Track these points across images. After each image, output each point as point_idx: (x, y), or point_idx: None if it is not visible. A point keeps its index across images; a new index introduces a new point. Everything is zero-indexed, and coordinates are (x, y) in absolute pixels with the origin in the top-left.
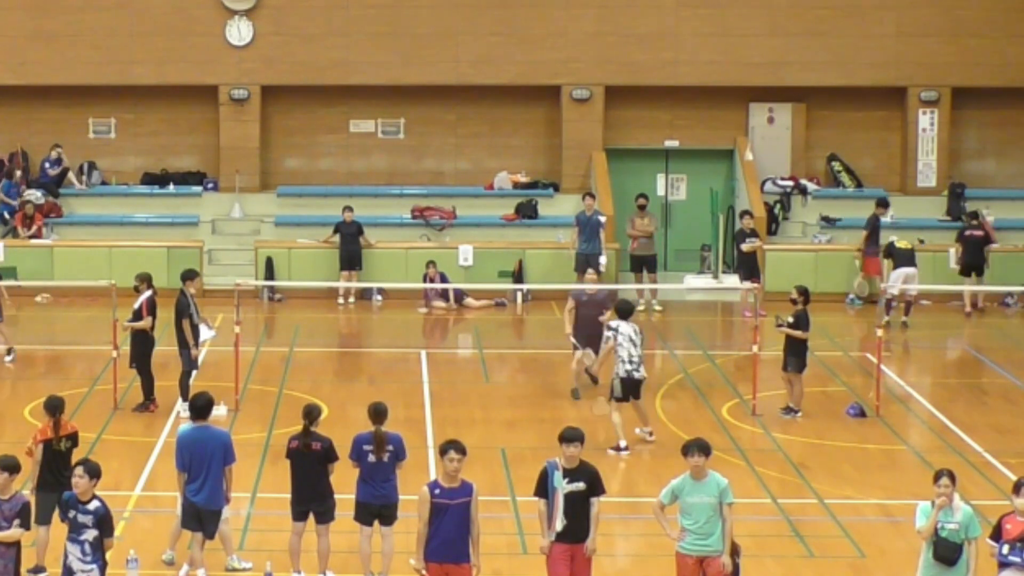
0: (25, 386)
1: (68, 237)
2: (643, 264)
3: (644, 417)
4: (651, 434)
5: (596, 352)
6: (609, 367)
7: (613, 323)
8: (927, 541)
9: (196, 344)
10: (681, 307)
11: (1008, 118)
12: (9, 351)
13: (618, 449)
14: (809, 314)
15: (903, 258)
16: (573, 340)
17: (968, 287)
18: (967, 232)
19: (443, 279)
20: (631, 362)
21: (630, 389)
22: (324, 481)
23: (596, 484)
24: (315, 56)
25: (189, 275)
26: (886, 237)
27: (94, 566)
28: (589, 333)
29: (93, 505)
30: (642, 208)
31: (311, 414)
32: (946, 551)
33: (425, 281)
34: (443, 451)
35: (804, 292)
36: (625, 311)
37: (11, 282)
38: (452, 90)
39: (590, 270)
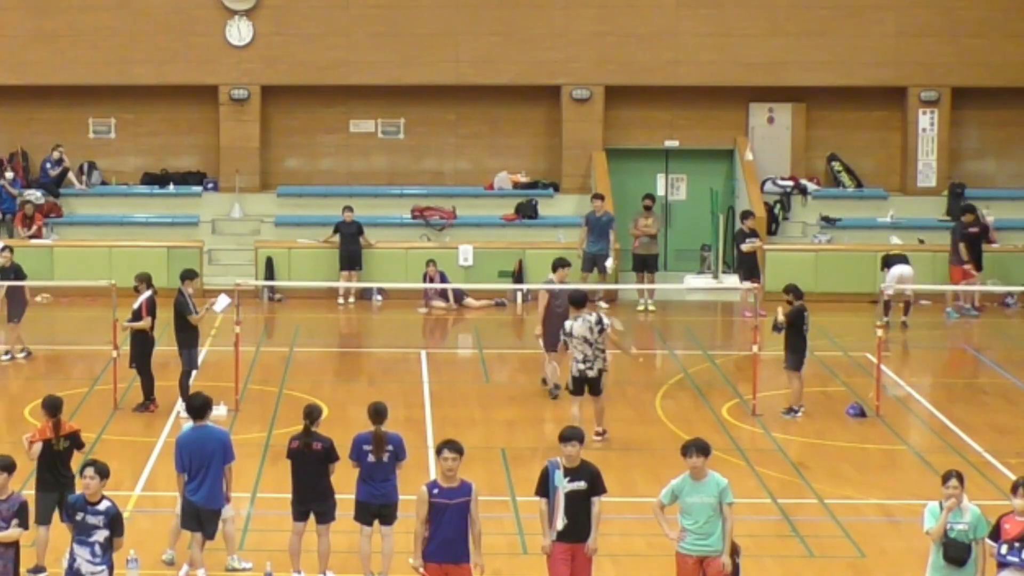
0: (25, 386)
1: (68, 237)
2: (644, 264)
3: (597, 416)
4: (601, 434)
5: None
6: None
7: (567, 325)
8: (936, 543)
9: (212, 307)
10: (681, 307)
11: (1008, 118)
12: (7, 352)
13: None
14: (804, 310)
15: (896, 258)
16: (541, 341)
17: (965, 287)
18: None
19: (443, 278)
20: (584, 361)
21: (580, 387)
22: (325, 481)
23: (597, 483)
24: (315, 56)
25: (188, 275)
26: (885, 237)
27: (104, 567)
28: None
29: (104, 505)
30: (648, 209)
31: (312, 414)
32: (957, 552)
33: (425, 280)
34: (439, 451)
35: (794, 290)
36: (577, 301)
37: (10, 282)
38: (452, 90)
39: (560, 268)
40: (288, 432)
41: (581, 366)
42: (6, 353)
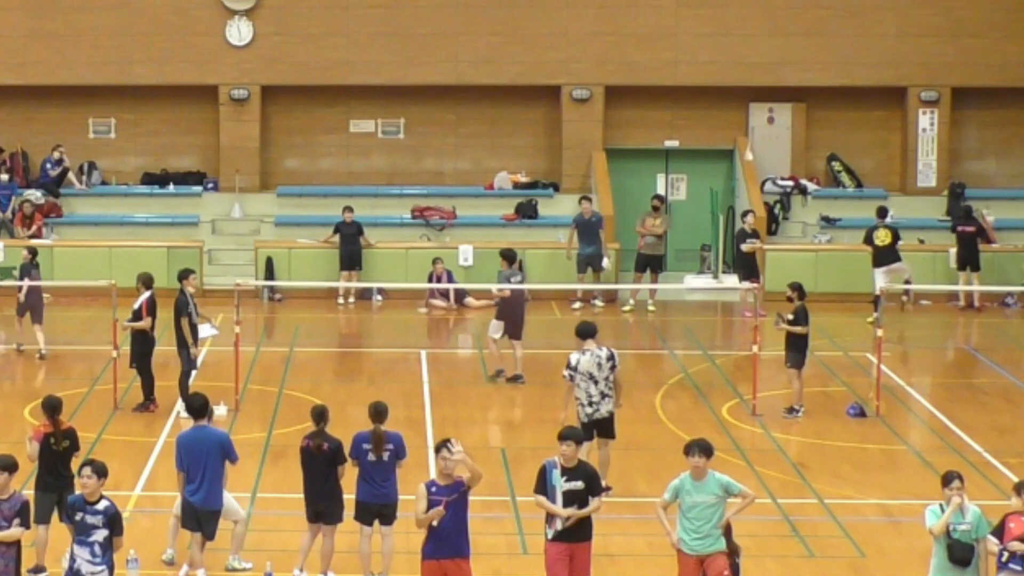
0: (25, 386)
1: (68, 237)
2: (647, 263)
3: (602, 467)
4: (606, 490)
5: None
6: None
7: (572, 358)
8: (940, 544)
9: (195, 342)
10: (681, 307)
11: (1008, 118)
12: (19, 345)
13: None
14: (808, 310)
15: (887, 254)
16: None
17: (964, 287)
18: (959, 228)
19: (450, 277)
20: (590, 404)
21: (590, 432)
22: (331, 482)
23: (594, 483)
24: (315, 56)
25: (185, 274)
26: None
27: (104, 567)
28: (515, 321)
29: (102, 505)
30: (656, 209)
31: (323, 415)
32: (962, 553)
33: (431, 278)
34: (437, 450)
35: (798, 288)
36: (586, 332)
37: (11, 282)
38: (452, 90)
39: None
40: (287, 432)
41: (588, 410)
42: (19, 347)
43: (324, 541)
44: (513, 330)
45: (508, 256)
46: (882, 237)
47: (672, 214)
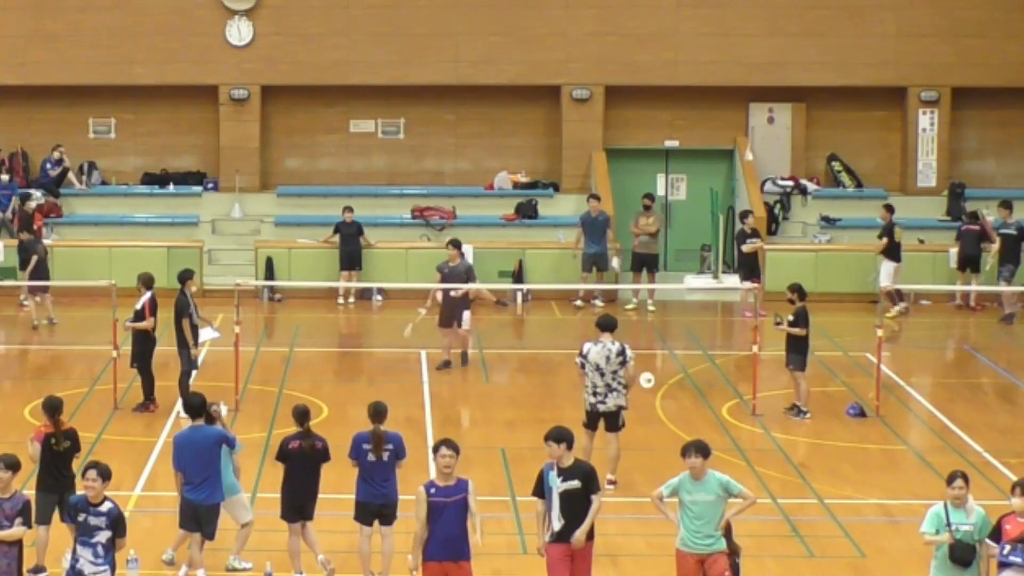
0: (25, 386)
1: (68, 237)
2: (643, 263)
3: (611, 462)
4: (613, 483)
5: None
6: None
7: (586, 347)
8: (941, 544)
9: (196, 344)
10: (681, 307)
11: (1008, 118)
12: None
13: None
14: (808, 311)
15: (898, 250)
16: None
17: (964, 287)
18: (963, 227)
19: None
20: (595, 394)
21: (594, 421)
22: (315, 479)
23: (591, 482)
24: (315, 56)
25: (188, 275)
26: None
27: (106, 567)
28: (448, 310)
29: (106, 507)
30: (647, 208)
31: (307, 415)
32: (963, 553)
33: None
34: (435, 449)
35: (798, 289)
36: (606, 325)
37: (11, 282)
38: (452, 90)
39: (453, 249)
40: (287, 432)
41: (592, 399)
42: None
43: (308, 534)
44: (446, 318)
45: (460, 245)
46: (899, 234)
47: (672, 214)
